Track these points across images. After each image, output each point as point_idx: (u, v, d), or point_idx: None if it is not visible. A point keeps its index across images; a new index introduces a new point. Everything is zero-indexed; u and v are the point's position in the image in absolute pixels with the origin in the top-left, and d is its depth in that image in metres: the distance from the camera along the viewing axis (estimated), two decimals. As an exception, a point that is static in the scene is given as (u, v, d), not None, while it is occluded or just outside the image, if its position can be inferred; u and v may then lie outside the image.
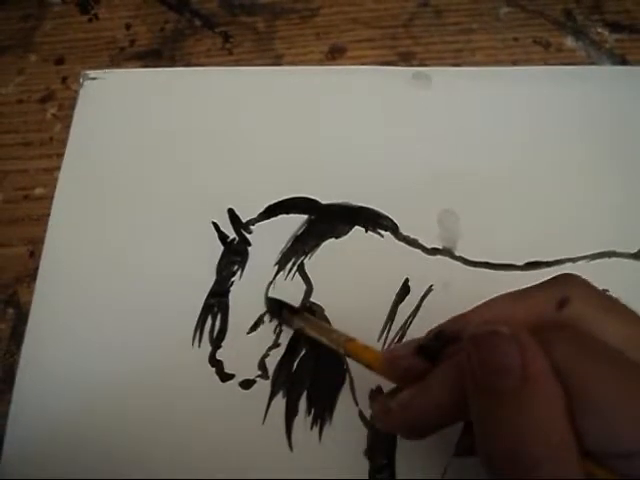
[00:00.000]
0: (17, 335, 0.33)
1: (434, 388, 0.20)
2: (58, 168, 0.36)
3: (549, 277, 0.21)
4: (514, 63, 0.38)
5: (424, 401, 0.21)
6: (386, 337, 0.30)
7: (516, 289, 0.21)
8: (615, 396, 0.17)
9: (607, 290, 0.31)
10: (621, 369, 0.18)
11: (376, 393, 0.29)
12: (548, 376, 0.17)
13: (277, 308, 0.31)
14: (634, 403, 0.17)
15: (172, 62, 0.40)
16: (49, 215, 0.35)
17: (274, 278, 0.32)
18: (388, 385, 0.29)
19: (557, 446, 0.17)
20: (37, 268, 0.34)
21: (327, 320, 0.31)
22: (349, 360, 0.30)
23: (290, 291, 0.32)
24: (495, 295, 0.21)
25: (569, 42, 0.38)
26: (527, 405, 0.17)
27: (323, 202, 0.34)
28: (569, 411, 0.17)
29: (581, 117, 0.36)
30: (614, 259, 0.32)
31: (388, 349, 0.23)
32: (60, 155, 0.37)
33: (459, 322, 0.21)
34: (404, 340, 0.30)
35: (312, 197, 0.34)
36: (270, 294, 0.32)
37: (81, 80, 0.39)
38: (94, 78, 0.39)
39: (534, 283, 0.21)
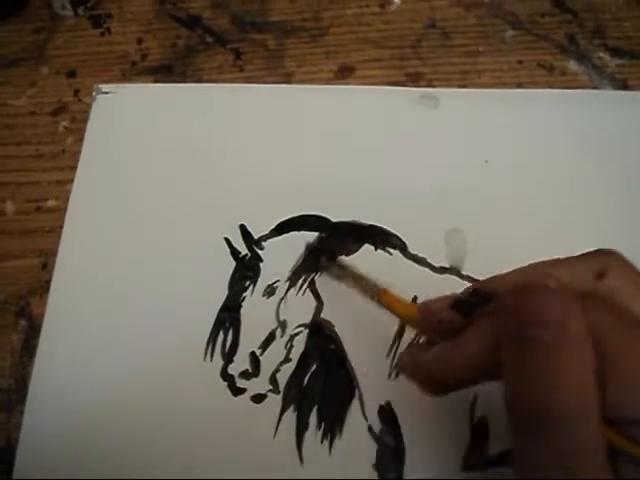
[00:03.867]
0: (29, 347, 0.33)
1: (469, 343, 0.21)
2: (70, 180, 0.37)
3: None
4: (519, 85, 0.39)
5: (458, 355, 0.21)
6: (394, 353, 0.31)
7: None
8: None
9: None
10: None
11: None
12: (584, 335, 0.18)
13: (316, 256, 0.32)
14: None
15: (183, 78, 0.40)
16: (61, 227, 0.36)
17: (285, 294, 0.33)
18: (396, 403, 0.30)
19: (584, 403, 0.18)
20: (49, 280, 0.34)
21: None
22: (358, 375, 0.31)
23: (301, 307, 0.32)
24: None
25: (572, 66, 0.39)
26: (561, 359, 0.18)
27: (333, 220, 0.34)
28: (597, 375, 0.18)
29: (583, 140, 0.37)
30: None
31: (423, 301, 0.24)
32: (72, 168, 0.37)
33: (496, 282, 0.22)
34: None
35: (323, 215, 0.34)
36: (282, 309, 0.32)
37: (94, 94, 0.39)
38: (107, 92, 0.39)
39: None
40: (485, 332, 0.21)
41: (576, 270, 0.21)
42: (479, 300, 0.22)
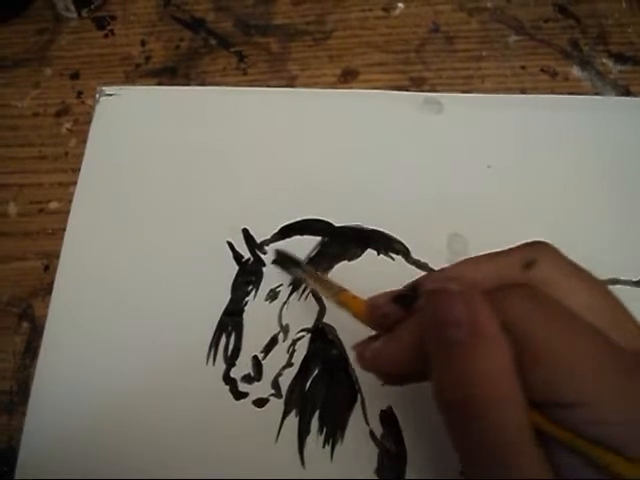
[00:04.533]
0: (31, 349, 0.33)
1: (401, 338, 0.22)
2: (73, 182, 0.37)
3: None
4: (522, 91, 0.39)
5: (392, 350, 0.22)
6: (397, 358, 0.31)
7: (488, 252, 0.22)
8: (560, 349, 0.18)
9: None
10: (570, 326, 0.19)
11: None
12: (495, 330, 0.19)
13: (282, 259, 0.32)
14: (577, 357, 0.18)
15: (187, 80, 0.40)
16: (64, 229, 0.36)
17: (288, 298, 0.33)
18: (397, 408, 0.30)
19: (503, 396, 0.18)
20: (52, 282, 0.34)
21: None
22: (360, 380, 0.31)
23: (303, 312, 0.32)
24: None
25: (575, 72, 0.40)
26: (474, 357, 0.18)
27: (336, 224, 0.34)
28: (518, 364, 0.18)
29: (585, 145, 0.37)
30: (617, 286, 0.33)
31: (370, 297, 0.24)
32: (75, 170, 0.37)
33: (433, 277, 0.23)
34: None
35: (325, 219, 0.34)
36: (284, 313, 0.32)
37: (97, 96, 0.39)
38: (110, 94, 0.39)
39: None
40: (412, 328, 0.21)
41: (505, 263, 0.21)
42: (417, 295, 0.22)
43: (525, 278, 0.21)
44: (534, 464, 0.18)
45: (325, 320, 0.32)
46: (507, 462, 0.18)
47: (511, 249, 0.22)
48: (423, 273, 0.33)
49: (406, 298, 0.23)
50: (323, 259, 0.34)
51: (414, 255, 0.33)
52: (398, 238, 0.34)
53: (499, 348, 0.18)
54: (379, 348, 0.23)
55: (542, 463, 0.18)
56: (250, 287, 0.33)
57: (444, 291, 0.20)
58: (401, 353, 0.22)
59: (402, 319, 0.22)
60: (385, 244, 0.34)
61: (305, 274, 0.30)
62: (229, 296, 0.33)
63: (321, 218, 0.34)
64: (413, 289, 0.23)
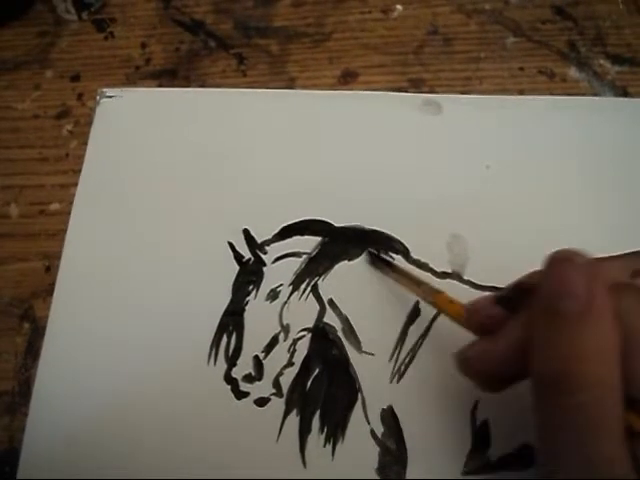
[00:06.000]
0: (33, 349, 0.33)
1: (504, 337, 0.22)
2: (74, 184, 0.37)
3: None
4: (520, 92, 0.39)
5: (494, 349, 0.22)
6: (397, 358, 0.31)
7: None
8: None
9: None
10: None
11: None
12: (609, 313, 0.19)
13: (374, 259, 0.33)
14: None
15: (187, 82, 0.41)
16: (65, 230, 0.36)
17: (288, 298, 0.33)
18: (398, 407, 0.30)
19: (606, 377, 0.18)
20: (53, 283, 0.34)
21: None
22: (361, 379, 0.31)
23: (304, 311, 0.33)
24: None
25: (573, 73, 0.40)
26: (585, 332, 0.19)
27: (336, 225, 0.35)
28: (622, 355, 0.18)
29: (583, 146, 0.37)
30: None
31: (470, 301, 0.25)
32: (76, 171, 0.38)
33: (537, 276, 0.23)
34: (414, 362, 0.31)
35: (326, 220, 0.35)
36: (285, 313, 0.33)
37: (98, 98, 0.39)
38: (111, 96, 0.39)
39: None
40: (517, 325, 0.22)
41: (613, 268, 0.22)
42: (520, 294, 0.23)
43: (634, 284, 0.21)
44: (620, 455, 0.18)
45: (326, 320, 0.32)
46: (594, 444, 0.18)
47: (618, 256, 0.23)
48: (423, 273, 0.33)
49: (508, 299, 0.23)
50: (323, 259, 0.34)
51: (414, 255, 0.34)
52: (398, 238, 0.34)
53: (609, 330, 0.19)
54: (485, 349, 0.23)
55: (627, 457, 0.18)
56: (251, 287, 0.33)
57: (569, 260, 0.20)
58: (502, 353, 0.22)
59: (505, 321, 0.23)
60: (385, 244, 0.34)
61: (399, 275, 0.31)
62: (230, 296, 0.33)
63: (321, 218, 0.35)
64: (515, 289, 0.23)
